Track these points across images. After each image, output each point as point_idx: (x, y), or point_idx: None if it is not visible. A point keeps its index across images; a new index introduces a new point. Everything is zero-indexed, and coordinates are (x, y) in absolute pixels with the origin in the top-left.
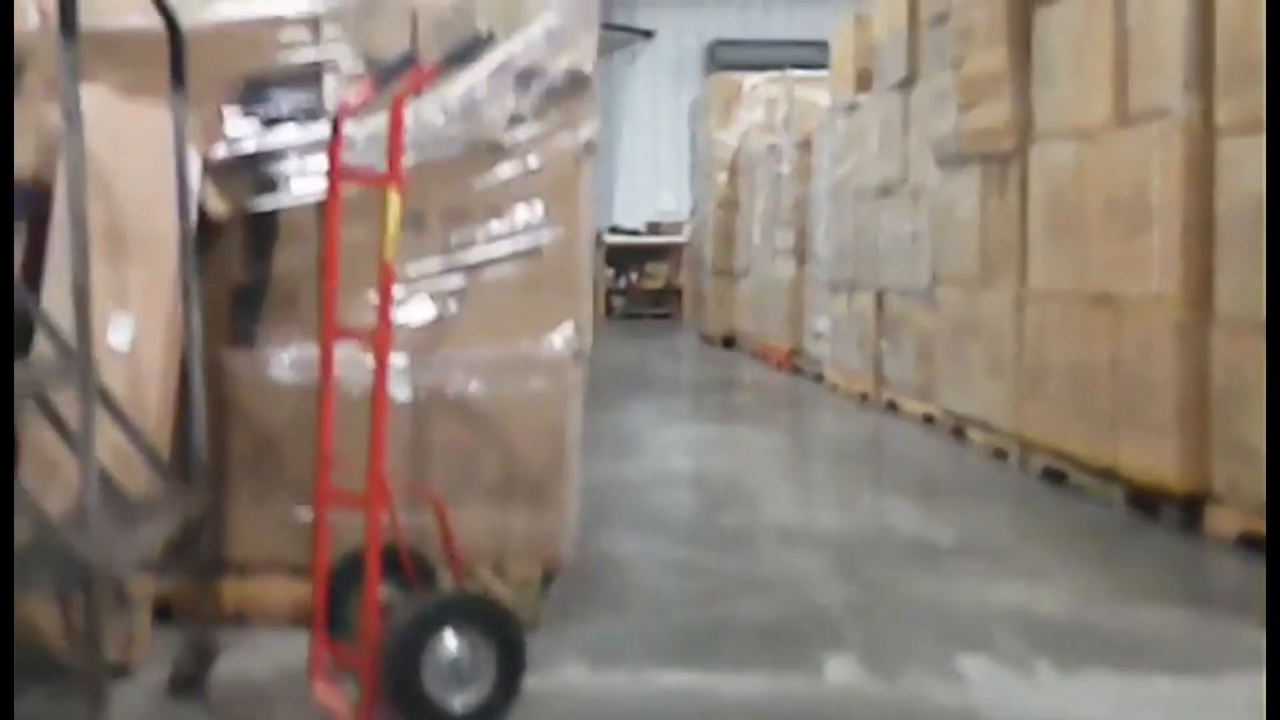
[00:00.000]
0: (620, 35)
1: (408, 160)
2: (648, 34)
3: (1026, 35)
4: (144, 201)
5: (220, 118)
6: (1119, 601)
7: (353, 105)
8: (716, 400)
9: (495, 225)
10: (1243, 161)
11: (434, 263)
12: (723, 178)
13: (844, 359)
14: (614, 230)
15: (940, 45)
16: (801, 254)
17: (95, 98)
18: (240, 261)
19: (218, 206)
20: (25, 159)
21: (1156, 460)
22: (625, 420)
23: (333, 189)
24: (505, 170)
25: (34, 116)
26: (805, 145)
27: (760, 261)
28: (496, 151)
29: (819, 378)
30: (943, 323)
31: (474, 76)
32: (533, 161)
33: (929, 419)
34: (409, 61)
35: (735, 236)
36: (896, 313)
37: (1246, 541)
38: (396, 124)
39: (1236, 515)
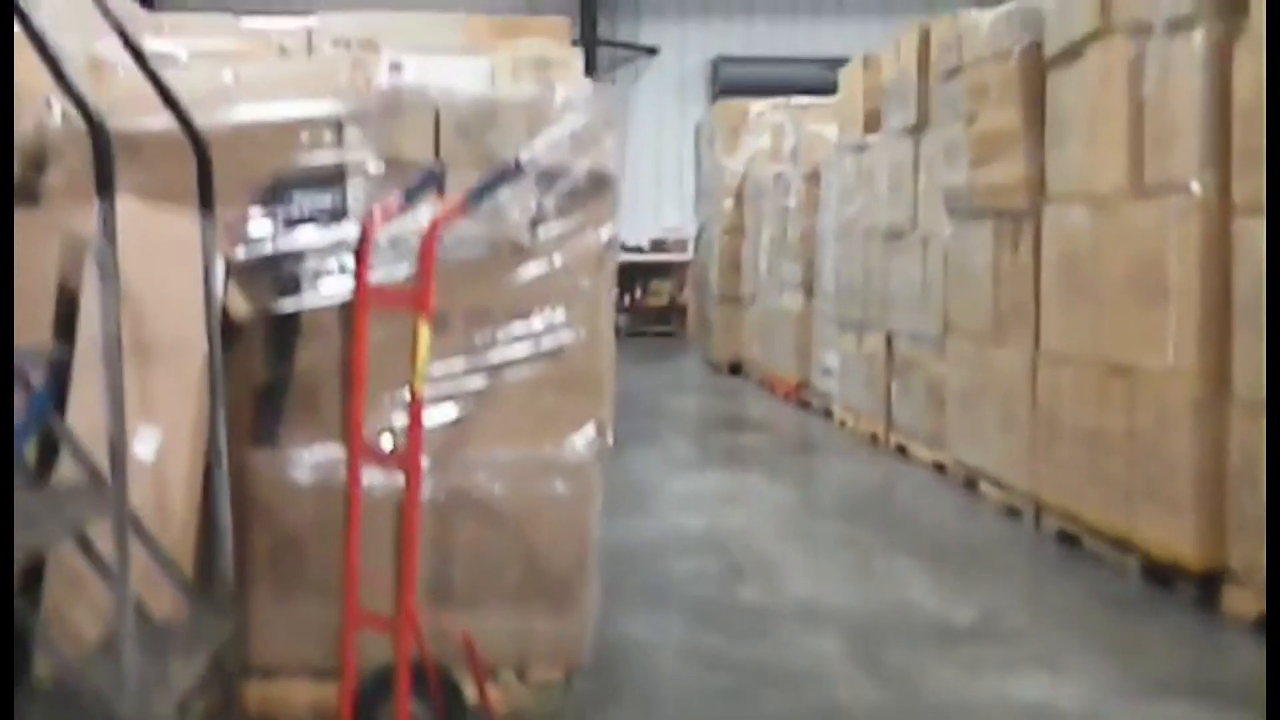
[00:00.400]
0: (624, 52)
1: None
2: (651, 51)
3: (1040, 95)
4: (170, 311)
5: (243, 219)
6: (1139, 696)
7: (379, 224)
8: (726, 442)
9: (518, 325)
10: (1259, 241)
11: (457, 363)
12: (729, 204)
13: (853, 397)
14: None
15: (952, 97)
16: (809, 287)
17: (121, 208)
18: (262, 360)
19: (240, 307)
20: (50, 266)
21: (1173, 535)
22: (634, 466)
23: (360, 310)
24: (528, 271)
25: (59, 221)
26: (813, 178)
27: (767, 291)
28: (519, 252)
29: (827, 414)
30: (954, 373)
31: None
32: (556, 262)
33: (940, 467)
34: (434, 177)
35: (741, 263)
36: (907, 357)
37: (1264, 624)
38: (428, 257)
39: (1253, 597)
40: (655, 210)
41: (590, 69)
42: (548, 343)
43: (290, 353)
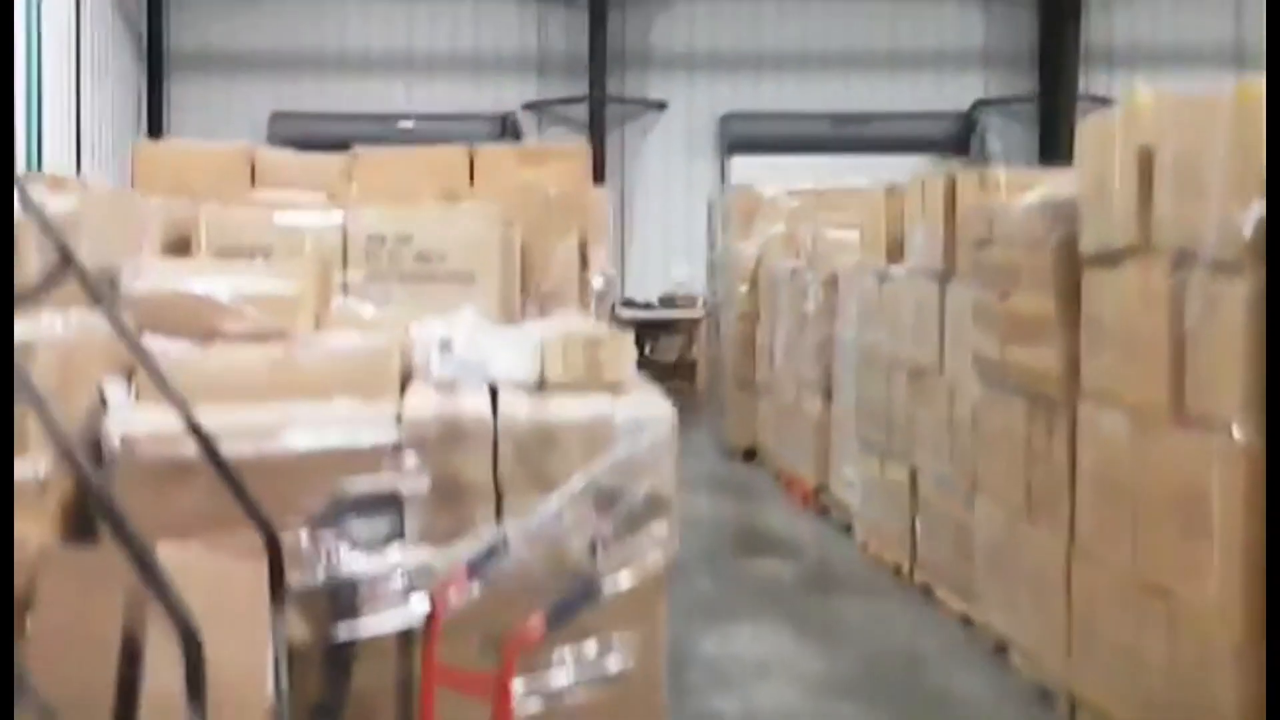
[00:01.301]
0: (632, 107)
1: (489, 587)
2: (660, 105)
3: (1076, 288)
4: (234, 663)
5: (300, 544)
6: None
7: (450, 603)
8: (749, 573)
9: (577, 647)
10: None
11: (515, 686)
12: (743, 289)
13: (875, 519)
14: (628, 304)
15: (981, 262)
16: (828, 392)
17: (185, 561)
18: (318, 680)
19: (298, 633)
20: (113, 613)
21: None
22: None
23: (427, 689)
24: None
25: (120, 563)
26: (831, 284)
27: (784, 384)
28: (579, 574)
29: (848, 529)
30: (983, 531)
31: (558, 502)
32: (615, 584)
33: (968, 620)
34: (500, 549)
35: (756, 349)
36: (933, 499)
37: None
38: (507, 676)
39: None
40: (664, 265)
41: (598, 125)
42: (606, 665)
43: (346, 673)
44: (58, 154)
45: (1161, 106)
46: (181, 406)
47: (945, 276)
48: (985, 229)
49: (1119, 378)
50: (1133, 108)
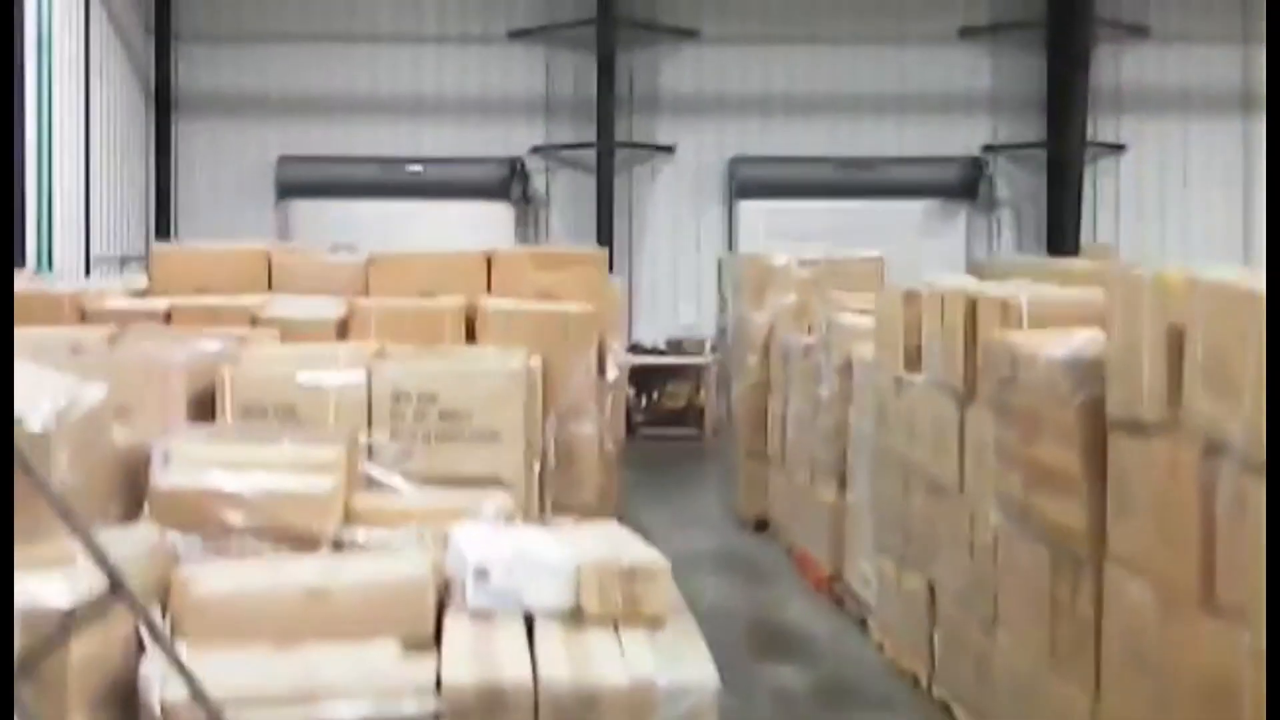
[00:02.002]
0: (640, 151)
1: None
2: (668, 150)
3: (1102, 449)
4: None
5: None
6: None
7: None
8: (766, 681)
9: None
10: None
11: None
12: (753, 360)
13: (892, 622)
14: (634, 349)
15: (1004, 401)
16: (842, 479)
17: None
18: None
19: None
20: None
21: None
22: None
23: None
24: None
25: None
26: (845, 370)
27: (796, 462)
28: None
29: (863, 624)
30: (1005, 661)
31: None
32: None
33: None
34: None
35: (768, 420)
36: (952, 616)
37: None
38: None
39: None
40: (672, 308)
41: (606, 169)
42: None
43: None
44: (68, 199)
45: (1192, 290)
46: (194, 686)
47: (965, 399)
48: (1008, 368)
49: (1147, 548)
50: (1162, 284)
